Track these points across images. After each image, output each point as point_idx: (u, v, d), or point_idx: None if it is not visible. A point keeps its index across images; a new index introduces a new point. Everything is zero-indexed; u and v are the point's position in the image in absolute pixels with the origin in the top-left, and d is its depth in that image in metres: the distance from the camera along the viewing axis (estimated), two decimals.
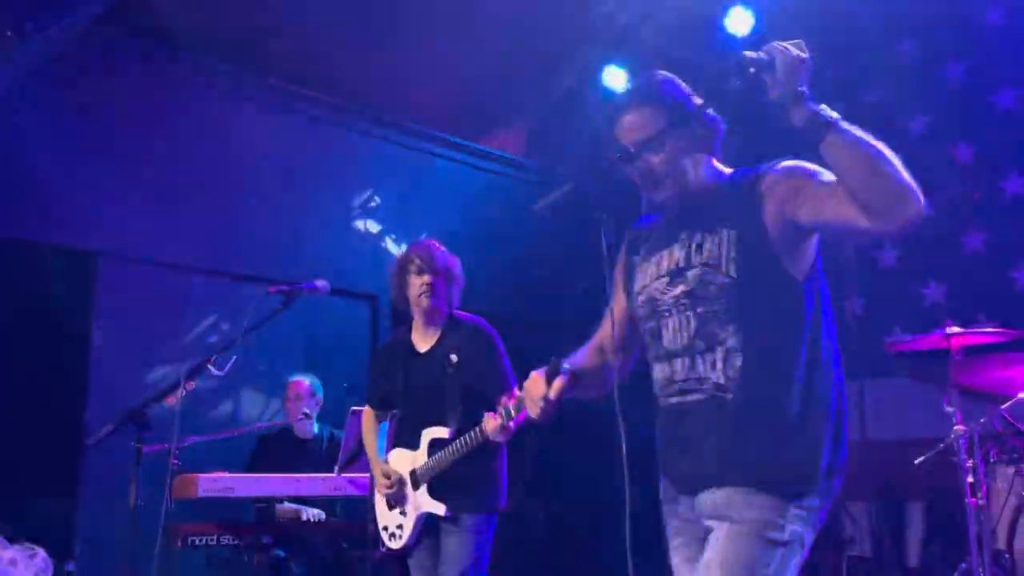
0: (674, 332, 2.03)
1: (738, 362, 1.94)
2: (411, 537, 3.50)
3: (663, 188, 2.06)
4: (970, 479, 3.81)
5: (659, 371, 2.10)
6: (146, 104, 5.35)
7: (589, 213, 2.02)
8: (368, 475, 3.93)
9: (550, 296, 6.45)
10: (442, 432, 3.46)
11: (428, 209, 6.59)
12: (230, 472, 4.30)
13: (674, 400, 2.05)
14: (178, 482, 3.97)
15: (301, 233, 5.96)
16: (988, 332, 4.11)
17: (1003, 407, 3.92)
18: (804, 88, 1.82)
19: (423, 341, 3.65)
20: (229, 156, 5.72)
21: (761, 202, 1.97)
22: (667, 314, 2.05)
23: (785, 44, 1.84)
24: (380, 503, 3.68)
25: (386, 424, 3.78)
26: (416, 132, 6.74)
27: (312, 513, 4.55)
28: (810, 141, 1.83)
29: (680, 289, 2.03)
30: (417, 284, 3.57)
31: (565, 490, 6.27)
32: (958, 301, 5.51)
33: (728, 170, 2.17)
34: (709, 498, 1.98)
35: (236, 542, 4.20)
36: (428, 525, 3.48)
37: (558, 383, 2.11)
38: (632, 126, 2.06)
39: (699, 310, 1.99)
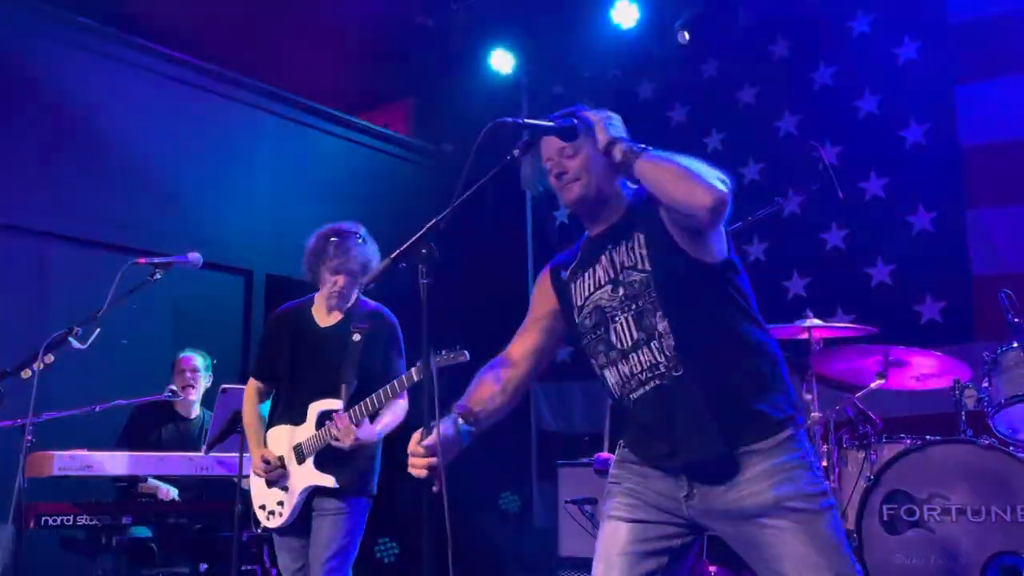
0: (622, 332, 2.20)
1: (671, 342, 2.11)
2: (292, 514, 3.47)
3: (574, 190, 2.28)
4: (824, 463, 4.04)
5: (614, 374, 2.23)
6: (6, 63, 5.06)
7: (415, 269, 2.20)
8: (237, 455, 3.83)
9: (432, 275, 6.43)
10: (333, 404, 3.46)
11: (308, 184, 6.46)
12: (89, 450, 4.11)
13: (637, 394, 2.19)
14: (32, 459, 3.76)
15: (174, 204, 5.74)
16: (845, 326, 4.36)
17: (856, 396, 4.15)
18: (616, 135, 2.17)
19: (326, 318, 3.63)
20: (99, 121, 5.46)
21: (656, 206, 2.17)
22: (615, 318, 2.21)
23: (591, 113, 2.23)
24: (258, 480, 3.61)
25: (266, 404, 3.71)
26: (297, 104, 6.59)
27: (164, 491, 4.42)
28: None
29: (621, 292, 2.21)
30: (330, 282, 3.53)
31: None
32: (818, 295, 5.81)
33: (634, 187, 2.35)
34: (715, 464, 2.10)
35: (94, 522, 4.00)
36: (307, 503, 3.47)
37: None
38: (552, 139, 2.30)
39: (634, 307, 2.18)
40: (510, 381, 2.35)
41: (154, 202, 5.66)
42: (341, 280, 3.51)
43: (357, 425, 3.38)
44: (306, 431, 3.49)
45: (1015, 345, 3.71)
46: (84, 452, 4.03)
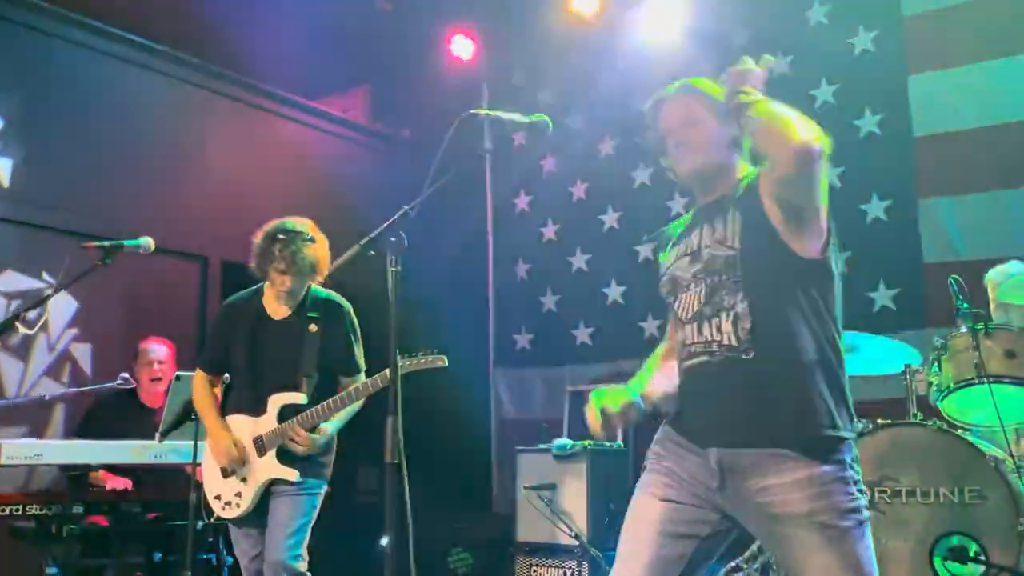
0: (688, 303, 2.22)
1: (747, 324, 2.11)
2: (250, 505, 3.45)
3: (690, 161, 2.28)
4: None
5: (678, 338, 2.27)
6: None
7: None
8: (192, 443, 3.79)
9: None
10: (296, 398, 3.43)
11: (266, 170, 6.38)
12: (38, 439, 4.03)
13: (688, 363, 2.22)
14: None
15: (127, 188, 5.64)
16: None
17: None
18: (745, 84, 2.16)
19: (278, 309, 3.58)
20: (48, 103, 5.34)
21: (758, 188, 2.18)
22: (685, 289, 2.25)
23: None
24: (212, 470, 3.57)
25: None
26: (254, 89, 6.50)
27: (119, 482, 4.35)
28: None
29: (698, 266, 2.23)
30: (278, 281, 3.48)
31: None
32: None
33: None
34: (750, 457, 2.08)
35: (44, 512, 3.94)
36: (265, 491, 3.45)
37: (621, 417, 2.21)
38: (673, 109, 2.33)
39: (709, 282, 2.19)
40: (664, 361, 2.40)
41: (105, 186, 5.56)
42: (289, 281, 3.47)
43: (314, 429, 3.38)
44: (267, 424, 3.46)
45: (963, 330, 3.77)
46: (33, 440, 3.96)
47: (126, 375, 4.61)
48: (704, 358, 2.16)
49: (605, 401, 2.21)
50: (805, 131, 2.03)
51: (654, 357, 2.44)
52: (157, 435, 4.17)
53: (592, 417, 2.22)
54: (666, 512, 2.17)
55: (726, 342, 2.12)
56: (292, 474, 3.39)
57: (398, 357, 2.23)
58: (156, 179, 5.83)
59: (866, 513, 2.07)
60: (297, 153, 6.69)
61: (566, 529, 5.20)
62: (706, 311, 2.16)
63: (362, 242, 2.26)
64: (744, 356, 2.10)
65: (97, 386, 4.63)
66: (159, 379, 4.75)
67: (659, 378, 2.36)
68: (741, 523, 2.16)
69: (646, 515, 2.19)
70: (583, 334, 6.73)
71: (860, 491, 2.07)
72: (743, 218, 2.17)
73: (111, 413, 4.69)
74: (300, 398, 3.43)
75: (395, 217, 2.21)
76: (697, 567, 2.18)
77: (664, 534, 2.14)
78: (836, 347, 2.16)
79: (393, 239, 2.19)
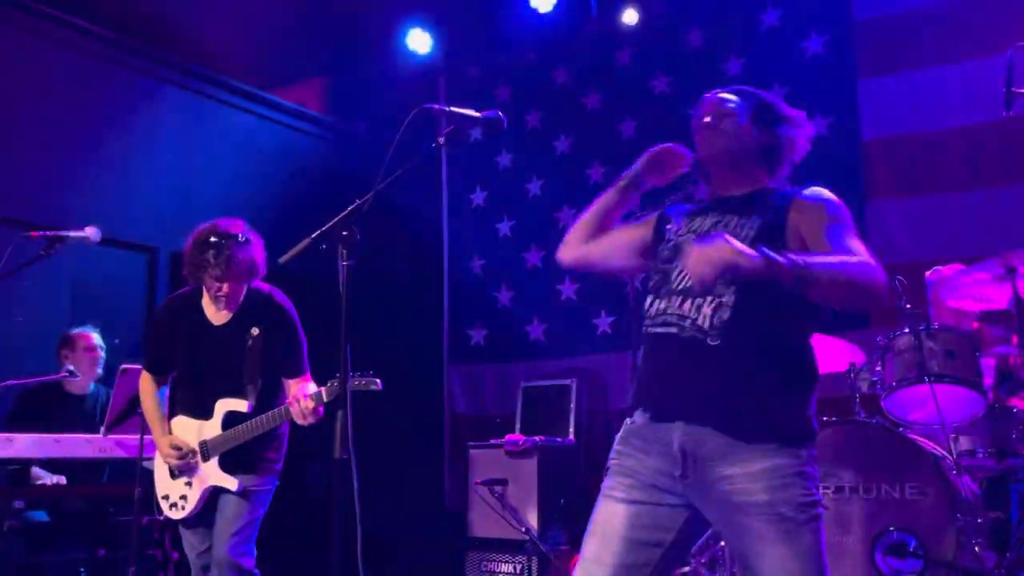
0: (681, 275, 2.23)
1: (725, 316, 2.13)
2: (194, 509, 3.40)
3: (712, 144, 2.33)
4: None
5: (655, 303, 2.28)
6: None
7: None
8: (137, 438, 3.73)
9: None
10: (240, 405, 3.38)
11: (217, 161, 6.29)
12: None
13: (656, 330, 2.23)
14: None
15: (72, 177, 5.52)
16: None
17: None
18: (765, 256, 1.95)
19: (217, 314, 3.48)
20: None
21: (789, 210, 2.25)
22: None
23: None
24: (161, 469, 3.52)
25: (165, 389, 3.60)
26: (205, 78, 6.40)
27: (51, 479, 4.28)
28: None
29: None
30: (214, 288, 3.38)
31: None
32: None
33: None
34: (713, 442, 2.11)
35: None
36: (212, 494, 3.40)
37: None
38: (714, 99, 2.37)
39: None
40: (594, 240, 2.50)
41: (50, 175, 5.43)
42: (226, 287, 3.37)
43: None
44: (212, 429, 3.41)
45: (906, 330, 3.86)
46: None
47: (71, 367, 4.53)
48: (673, 329, 2.18)
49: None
50: (876, 285, 2.05)
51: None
52: (102, 428, 4.10)
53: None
54: (630, 517, 2.16)
55: (700, 323, 2.15)
56: (233, 483, 3.33)
57: (348, 376, 2.20)
58: (104, 168, 5.71)
59: (821, 510, 2.11)
60: (249, 144, 6.60)
61: (517, 525, 5.22)
62: (696, 288, 2.17)
63: (314, 235, 2.24)
64: (709, 342, 2.13)
65: (42, 378, 4.54)
66: (96, 366, 4.70)
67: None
68: (702, 512, 2.18)
69: (610, 520, 2.18)
70: (537, 330, 6.75)
71: (817, 488, 2.13)
72: (760, 227, 2.21)
73: (38, 405, 4.60)
74: (244, 405, 3.37)
75: (348, 211, 2.19)
76: (665, 572, 2.19)
77: (629, 540, 2.14)
78: (809, 352, 2.22)
79: (345, 233, 2.18)
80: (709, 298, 2.15)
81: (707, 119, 2.34)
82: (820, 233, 2.20)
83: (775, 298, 2.11)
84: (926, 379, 3.71)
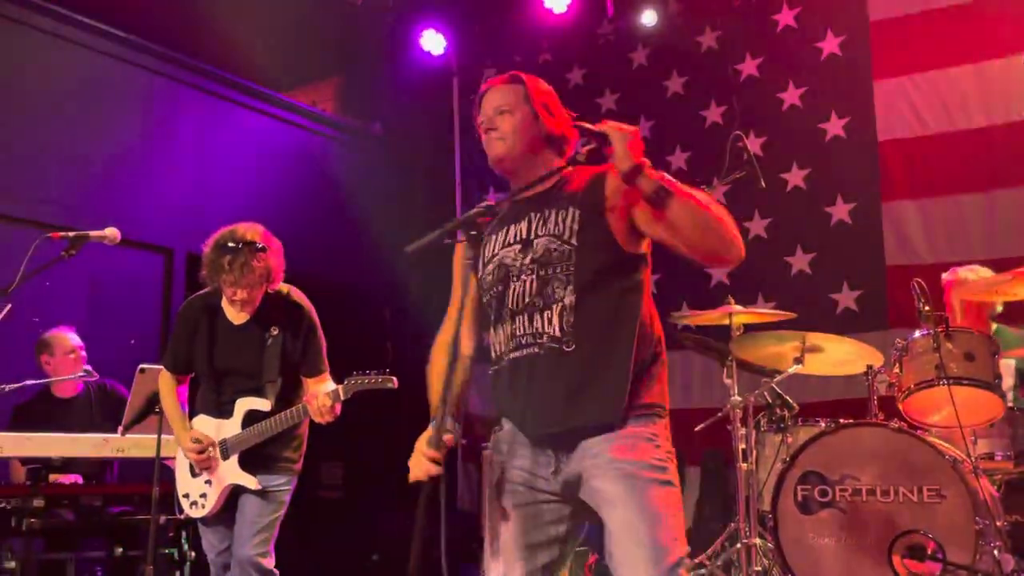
0: (518, 294, 2.21)
1: (571, 318, 2.14)
2: (214, 507, 3.43)
3: (497, 147, 2.30)
4: (743, 446, 4.13)
5: (500, 333, 2.25)
6: None
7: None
8: (155, 437, 3.74)
9: (359, 257, 6.37)
10: (261, 404, 3.41)
11: (233, 162, 6.31)
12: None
13: (514, 355, 2.22)
14: None
15: (92, 179, 5.55)
16: (765, 312, 4.46)
17: (774, 380, 4.26)
18: (643, 160, 2.04)
19: (237, 315, 3.51)
20: (12, 92, 5.24)
21: (604, 190, 2.21)
22: (516, 278, 2.23)
23: (619, 124, 2.09)
24: (182, 468, 3.55)
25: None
26: (222, 80, 6.42)
27: (68, 479, 4.29)
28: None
29: (529, 256, 2.22)
30: (229, 292, 3.41)
31: (362, 452, 6.26)
32: (740, 282, 5.93)
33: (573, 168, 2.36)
34: (580, 436, 2.14)
35: (2, 505, 3.88)
36: (232, 492, 3.43)
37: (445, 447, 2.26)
38: (492, 97, 2.37)
39: (542, 273, 2.19)
40: (468, 369, 2.36)
41: (70, 176, 5.47)
42: (242, 293, 3.39)
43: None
44: (232, 427, 3.44)
45: (924, 333, 3.84)
46: None
47: (88, 367, 4.54)
48: (534, 350, 2.18)
49: (425, 450, 2.26)
50: (731, 243, 2.07)
51: (443, 362, 2.26)
52: (120, 428, 4.12)
53: (422, 471, 2.26)
54: (521, 523, 2.20)
55: (555, 334, 2.15)
56: (252, 482, 3.37)
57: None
58: (122, 170, 5.74)
59: (674, 481, 2.12)
60: (265, 145, 6.62)
61: None
62: (538, 302, 2.18)
63: (443, 228, 2.17)
64: (565, 348, 2.14)
65: (59, 378, 4.56)
66: (77, 364, 4.59)
67: (467, 388, 2.37)
68: (579, 497, 2.18)
69: (504, 530, 2.21)
70: None
71: (668, 456, 2.14)
72: (582, 216, 2.20)
73: (35, 413, 4.55)
74: (265, 405, 3.40)
75: (479, 208, 2.17)
76: (566, 558, 2.24)
77: (526, 547, 2.18)
78: (653, 329, 2.23)
79: (474, 232, 2.15)
80: (554, 306, 2.16)
81: (488, 124, 2.31)
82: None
83: (608, 286, 2.16)
84: (944, 381, 3.69)
